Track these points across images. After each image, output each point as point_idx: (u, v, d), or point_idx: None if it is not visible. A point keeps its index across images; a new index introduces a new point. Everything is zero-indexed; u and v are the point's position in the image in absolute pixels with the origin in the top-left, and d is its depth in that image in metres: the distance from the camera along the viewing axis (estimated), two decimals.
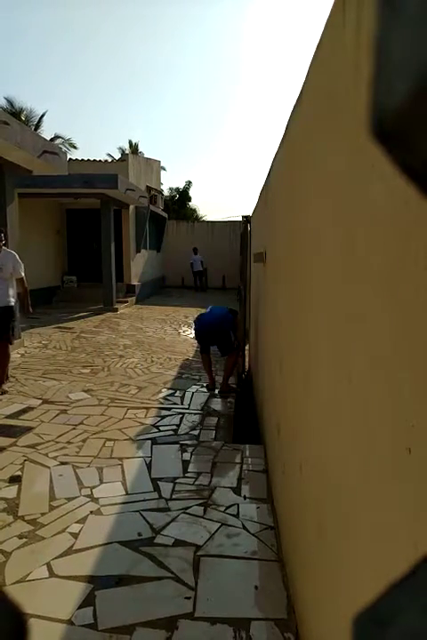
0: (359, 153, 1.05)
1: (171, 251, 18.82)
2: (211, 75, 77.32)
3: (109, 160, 15.75)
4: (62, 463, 3.33)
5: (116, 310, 11.31)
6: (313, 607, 1.61)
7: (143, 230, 14.15)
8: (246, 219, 5.91)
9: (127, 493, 2.95)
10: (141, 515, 2.70)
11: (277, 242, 2.98)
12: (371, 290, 0.99)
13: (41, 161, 6.77)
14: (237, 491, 3.01)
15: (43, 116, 20.16)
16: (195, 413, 4.50)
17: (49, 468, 3.25)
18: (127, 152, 21.20)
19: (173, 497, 2.91)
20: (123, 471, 3.24)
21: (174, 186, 26.66)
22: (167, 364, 6.41)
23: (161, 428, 4.06)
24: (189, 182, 25.71)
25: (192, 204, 26.43)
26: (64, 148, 15.43)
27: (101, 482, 3.08)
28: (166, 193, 24.17)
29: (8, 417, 4.20)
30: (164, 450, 3.63)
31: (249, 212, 6.12)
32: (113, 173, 10.53)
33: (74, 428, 3.97)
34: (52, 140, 17.27)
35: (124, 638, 1.82)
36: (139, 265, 14.36)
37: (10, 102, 19.02)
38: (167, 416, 4.36)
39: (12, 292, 4.83)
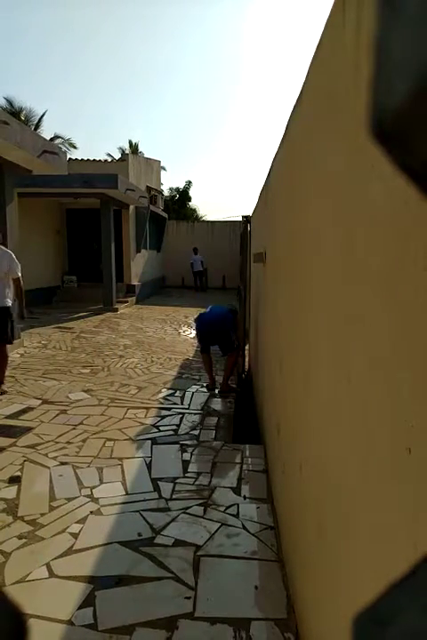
0: (359, 153, 1.05)
1: (171, 251, 18.82)
2: (211, 75, 77.39)
3: (109, 160, 15.75)
4: (62, 463, 3.33)
5: (116, 310, 11.31)
6: (313, 607, 1.61)
7: (143, 230, 14.15)
8: (246, 219, 5.91)
9: (127, 493, 2.95)
10: (141, 515, 2.70)
11: (277, 242, 2.98)
12: (370, 290, 0.99)
13: (41, 161, 6.77)
14: (237, 491, 3.01)
15: (43, 115, 20.18)
16: (195, 413, 4.50)
17: (49, 468, 3.25)
18: (127, 152, 21.20)
19: (173, 497, 2.91)
20: (123, 471, 3.24)
21: (174, 186, 26.68)
22: (167, 363, 6.41)
23: (161, 428, 4.06)
24: (189, 182, 25.73)
25: (192, 203, 26.46)
26: (64, 148, 15.42)
27: (101, 482, 3.08)
28: (166, 193, 24.19)
29: (8, 417, 4.20)
30: (164, 450, 3.63)
31: (249, 212, 6.12)
32: (113, 173, 10.53)
33: (74, 428, 3.97)
34: (51, 139, 17.26)
35: (124, 638, 1.82)
36: (139, 265, 14.36)
37: (9, 102, 19.03)
38: (167, 416, 4.36)
39: (7, 292, 4.74)
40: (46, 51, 62.62)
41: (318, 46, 1.56)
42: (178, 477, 3.17)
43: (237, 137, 68.82)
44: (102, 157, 14.98)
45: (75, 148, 20.83)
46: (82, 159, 13.41)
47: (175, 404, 4.74)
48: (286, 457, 2.32)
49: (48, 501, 2.82)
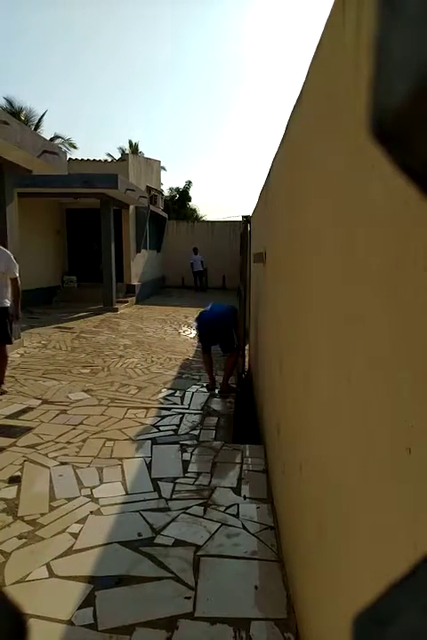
0: (359, 153, 1.05)
1: (171, 251, 18.82)
2: (211, 74, 77.39)
3: (109, 160, 15.74)
4: (62, 463, 3.33)
5: (116, 310, 11.31)
6: (313, 607, 1.61)
7: (143, 230, 14.15)
8: (246, 219, 5.91)
9: (127, 493, 2.94)
10: (141, 515, 2.70)
11: (277, 242, 2.98)
12: (370, 290, 0.99)
13: (41, 160, 6.77)
14: (237, 491, 3.01)
15: (43, 115, 20.18)
16: (195, 413, 4.50)
17: (49, 468, 3.25)
18: (127, 152, 21.20)
19: (173, 497, 2.91)
20: (123, 471, 3.24)
21: (174, 186, 26.69)
22: (167, 363, 6.41)
23: (161, 428, 4.06)
24: (189, 182, 25.73)
25: (192, 203, 26.46)
26: (64, 148, 15.43)
27: (101, 482, 3.08)
28: (166, 193, 24.19)
29: (8, 417, 4.20)
30: (164, 450, 3.63)
31: (249, 212, 6.12)
32: (113, 173, 10.53)
33: (74, 428, 3.97)
34: (51, 139, 17.26)
35: (124, 638, 1.82)
36: (139, 265, 14.36)
37: (9, 102, 19.02)
38: (167, 416, 4.36)
39: (6, 292, 4.71)
40: (46, 51, 62.70)
41: (318, 46, 1.56)
42: (178, 477, 3.17)
43: (237, 137, 68.88)
44: (102, 157, 14.99)
45: (75, 147, 20.85)
46: (82, 159, 13.41)
47: (175, 403, 4.74)
48: (286, 457, 2.32)
49: (48, 501, 2.82)
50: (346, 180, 1.20)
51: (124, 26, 77.04)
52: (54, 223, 13.25)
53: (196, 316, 5.61)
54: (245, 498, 2.92)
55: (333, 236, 1.36)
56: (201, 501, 2.86)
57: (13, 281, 4.76)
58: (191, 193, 26.19)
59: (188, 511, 2.75)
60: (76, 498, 2.87)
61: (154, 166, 17.00)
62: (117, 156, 20.51)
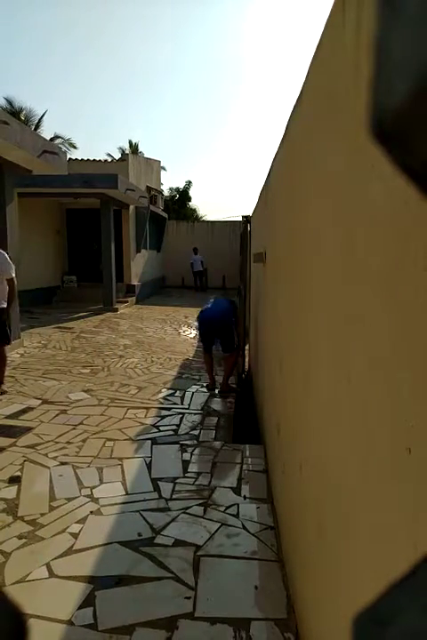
0: (359, 153, 1.05)
1: (171, 251, 18.82)
2: (211, 74, 77.42)
3: (109, 160, 15.75)
4: (62, 463, 3.33)
5: (116, 310, 11.31)
6: (313, 607, 1.61)
7: (143, 230, 14.15)
8: (246, 219, 5.91)
9: (127, 493, 2.94)
10: (141, 515, 2.70)
11: (277, 242, 2.98)
12: (370, 290, 0.99)
13: (41, 160, 6.77)
14: (237, 491, 3.01)
15: (43, 115, 20.18)
16: (195, 413, 4.50)
17: (49, 468, 3.25)
18: (127, 152, 21.19)
19: (173, 497, 2.91)
20: (123, 471, 3.24)
21: (174, 186, 26.69)
22: (167, 364, 6.41)
23: (161, 428, 4.06)
24: (189, 182, 25.73)
25: (192, 203, 26.46)
26: (64, 148, 15.42)
27: (101, 482, 3.08)
28: (166, 193, 24.19)
29: (8, 417, 4.20)
30: (164, 450, 3.63)
31: (249, 212, 6.12)
32: (113, 173, 10.53)
33: (74, 428, 3.97)
34: (51, 139, 17.26)
35: (124, 638, 1.82)
36: (139, 265, 14.36)
37: (9, 102, 19.02)
38: (167, 416, 4.36)
39: (3, 293, 4.69)
40: (46, 51, 62.71)
41: (318, 46, 1.56)
42: (178, 477, 3.17)
43: (237, 137, 68.90)
44: (102, 157, 14.99)
45: (75, 147, 20.84)
46: (82, 159, 13.41)
47: (175, 403, 4.74)
48: (286, 457, 2.32)
49: (48, 501, 2.82)
50: (346, 180, 1.20)
51: (124, 26, 77.16)
52: (54, 223, 13.25)
53: (196, 315, 5.61)
54: (245, 498, 2.92)
55: (333, 236, 1.36)
56: (201, 501, 2.86)
57: (10, 282, 4.75)
58: (191, 193, 26.23)
59: (188, 511, 2.75)
60: (76, 498, 2.87)
61: (154, 166, 17.00)
62: (117, 156, 20.52)
